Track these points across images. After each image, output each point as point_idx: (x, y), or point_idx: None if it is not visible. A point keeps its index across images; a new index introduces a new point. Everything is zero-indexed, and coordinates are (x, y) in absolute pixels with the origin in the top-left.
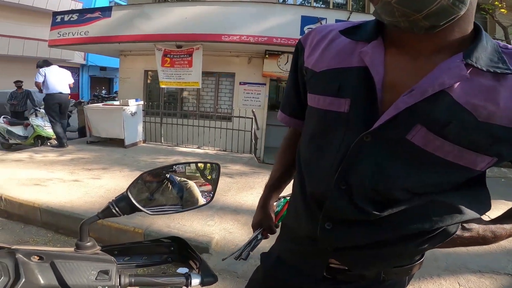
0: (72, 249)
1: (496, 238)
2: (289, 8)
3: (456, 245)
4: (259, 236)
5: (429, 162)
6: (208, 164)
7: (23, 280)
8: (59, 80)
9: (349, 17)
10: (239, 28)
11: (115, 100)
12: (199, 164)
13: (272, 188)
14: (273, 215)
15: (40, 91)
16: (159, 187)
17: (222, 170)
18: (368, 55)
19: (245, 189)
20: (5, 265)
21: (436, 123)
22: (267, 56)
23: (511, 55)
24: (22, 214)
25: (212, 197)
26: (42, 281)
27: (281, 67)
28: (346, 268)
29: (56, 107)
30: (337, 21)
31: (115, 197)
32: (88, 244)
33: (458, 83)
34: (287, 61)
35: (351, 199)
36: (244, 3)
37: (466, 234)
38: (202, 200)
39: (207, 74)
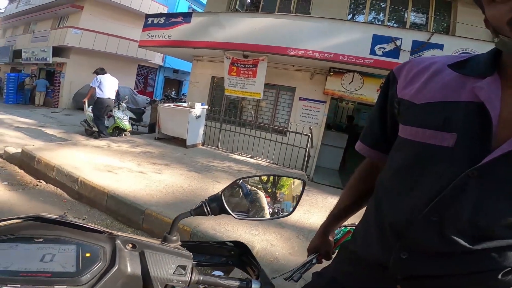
0: (158, 241)
1: None
2: (359, 26)
3: None
4: (314, 261)
5: None
6: (296, 181)
7: (116, 267)
8: (111, 87)
9: (429, 39)
10: (305, 43)
11: (183, 102)
12: (288, 179)
13: (337, 217)
14: (332, 241)
15: (89, 96)
16: (248, 195)
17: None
18: (483, 90)
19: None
20: (106, 250)
21: None
22: (331, 73)
23: None
24: (91, 197)
25: (294, 209)
26: (129, 269)
27: (344, 86)
28: None
29: (103, 109)
30: (414, 42)
31: (208, 197)
32: (174, 238)
33: None
34: (352, 81)
35: (440, 231)
36: (313, 18)
37: None
38: (286, 211)
39: (269, 86)
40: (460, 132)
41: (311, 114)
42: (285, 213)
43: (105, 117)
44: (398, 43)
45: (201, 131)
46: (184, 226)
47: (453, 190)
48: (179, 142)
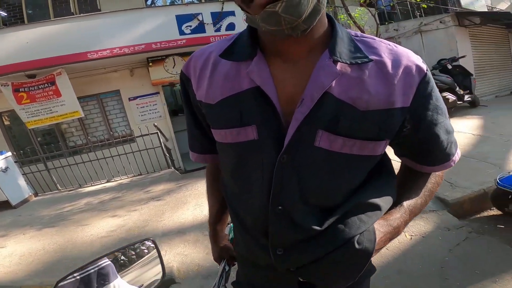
0: None
1: (404, 224)
2: (160, 10)
3: (386, 242)
4: (227, 267)
5: (341, 161)
6: (145, 244)
7: None
8: None
9: (222, 8)
10: (107, 42)
11: None
12: (118, 253)
13: (216, 224)
14: (229, 244)
15: None
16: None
17: (146, 195)
18: (255, 74)
19: (179, 206)
20: None
21: (331, 124)
22: (151, 64)
23: (363, 42)
24: None
25: (164, 271)
26: None
27: (170, 71)
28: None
29: None
30: (212, 14)
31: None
32: None
33: (334, 81)
34: (175, 64)
35: (290, 220)
36: (104, 15)
37: (388, 228)
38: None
39: (86, 98)
40: (257, 122)
41: (150, 110)
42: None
43: None
44: (200, 18)
45: (22, 182)
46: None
47: (277, 179)
48: (2, 205)
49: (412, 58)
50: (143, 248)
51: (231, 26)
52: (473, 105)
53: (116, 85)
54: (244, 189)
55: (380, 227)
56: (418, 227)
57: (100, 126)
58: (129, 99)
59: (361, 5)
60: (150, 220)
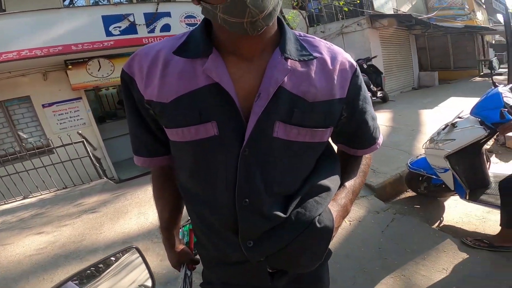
0: None
1: (350, 203)
2: (83, 10)
3: (341, 220)
4: (188, 272)
5: (297, 149)
6: (127, 253)
7: None
8: None
9: (157, 9)
10: (15, 44)
11: None
12: (111, 260)
13: (169, 228)
14: (187, 248)
15: None
16: None
17: (76, 208)
18: (213, 71)
19: (120, 216)
20: None
21: (286, 115)
22: (70, 66)
23: (306, 41)
24: None
25: (153, 279)
26: None
27: (94, 75)
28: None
29: None
30: (145, 14)
31: None
32: None
33: (286, 77)
34: (100, 67)
35: (257, 211)
36: (11, 15)
37: (338, 207)
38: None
39: None
40: (217, 118)
41: (71, 118)
42: None
43: None
44: (131, 19)
45: None
46: None
47: (242, 173)
48: None
49: (345, 55)
50: (126, 257)
51: (166, 27)
52: (384, 100)
53: (25, 90)
54: (207, 188)
55: (332, 207)
56: (354, 212)
57: (7, 138)
58: (43, 106)
59: (293, 8)
60: (87, 234)
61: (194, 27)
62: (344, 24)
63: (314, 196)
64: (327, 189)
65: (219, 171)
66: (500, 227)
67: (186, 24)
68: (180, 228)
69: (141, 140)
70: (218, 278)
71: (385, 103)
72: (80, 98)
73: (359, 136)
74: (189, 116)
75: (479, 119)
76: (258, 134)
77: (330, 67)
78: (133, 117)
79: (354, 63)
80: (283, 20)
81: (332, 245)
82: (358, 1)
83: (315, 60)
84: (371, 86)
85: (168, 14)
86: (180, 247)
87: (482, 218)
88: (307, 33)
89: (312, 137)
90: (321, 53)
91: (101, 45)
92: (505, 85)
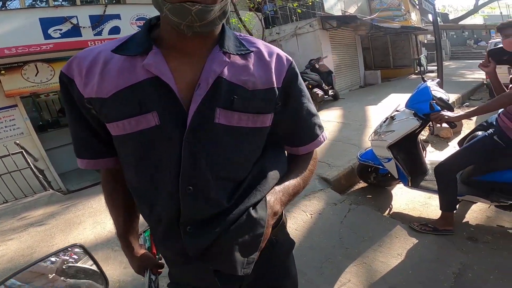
0: None
1: (279, 203)
2: (17, 13)
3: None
4: (153, 277)
5: (240, 133)
6: (72, 250)
7: None
8: None
9: (104, 11)
10: None
11: None
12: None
13: (127, 234)
14: (148, 252)
15: None
16: None
17: (21, 222)
18: (153, 66)
19: (73, 227)
20: None
21: (226, 102)
22: (3, 72)
23: (245, 39)
24: None
25: (106, 278)
26: None
27: (31, 80)
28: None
29: None
30: (91, 17)
31: None
32: None
33: (225, 68)
34: (38, 71)
35: (203, 197)
36: None
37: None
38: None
39: None
40: (157, 108)
41: (6, 127)
42: None
43: None
44: (74, 21)
45: None
46: None
47: (186, 159)
48: None
49: (281, 51)
50: (69, 257)
51: (115, 30)
52: (335, 98)
53: None
54: (152, 180)
55: (269, 197)
56: (314, 206)
57: None
58: None
59: (250, 10)
60: (37, 246)
61: (136, 31)
62: (298, 25)
63: (256, 184)
64: (267, 176)
65: (163, 161)
66: (440, 211)
67: (138, 26)
68: (141, 234)
69: (83, 142)
70: (182, 279)
71: (336, 101)
72: (16, 105)
73: (296, 131)
74: (129, 108)
75: (413, 112)
76: (200, 120)
77: (267, 59)
78: (74, 118)
79: (290, 58)
80: (225, 23)
81: (295, 237)
82: (310, 3)
83: (252, 53)
84: (323, 85)
85: (117, 16)
86: (140, 252)
87: (425, 204)
88: (263, 34)
89: (254, 122)
90: (258, 48)
91: (39, 49)
92: (432, 80)
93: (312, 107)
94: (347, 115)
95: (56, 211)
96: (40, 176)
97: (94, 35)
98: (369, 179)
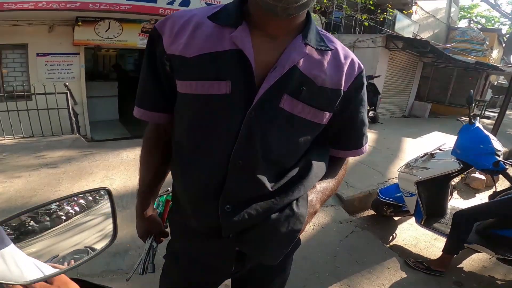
0: None
1: (319, 203)
2: None
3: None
4: (154, 244)
5: (298, 124)
6: (97, 194)
7: None
8: None
9: None
10: None
11: None
12: (75, 198)
13: (147, 194)
14: (158, 218)
15: None
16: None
17: (37, 160)
18: (239, 39)
19: (82, 176)
20: None
21: (295, 91)
22: (80, 23)
23: (325, 36)
24: None
25: (115, 232)
26: None
27: (100, 34)
28: (251, 255)
29: None
30: None
31: None
32: None
33: (302, 59)
34: (109, 28)
35: (249, 174)
36: None
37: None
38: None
39: None
40: (232, 79)
41: (61, 69)
42: (106, 242)
43: None
44: None
45: None
46: None
47: (244, 132)
48: None
49: (356, 57)
50: (93, 199)
51: (185, 2)
52: (374, 120)
53: (24, 38)
54: (205, 144)
55: (310, 195)
56: (320, 219)
57: None
58: (37, 55)
59: (314, 12)
60: (41, 190)
61: (229, 2)
62: (359, 38)
63: (301, 177)
64: (312, 171)
65: (221, 128)
66: (441, 253)
67: (206, 3)
68: (157, 198)
69: (148, 93)
70: (185, 252)
71: (373, 124)
72: (78, 53)
73: (344, 135)
74: (206, 71)
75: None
76: (266, 101)
77: (342, 61)
78: (147, 70)
79: (362, 66)
80: (310, 13)
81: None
82: (382, 19)
83: (330, 51)
84: None
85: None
86: (150, 213)
87: (428, 243)
88: None
89: (314, 117)
90: (336, 48)
91: (118, 8)
92: (483, 126)
93: (366, 117)
94: (380, 140)
95: (73, 156)
96: (74, 119)
97: (167, 3)
98: (384, 213)
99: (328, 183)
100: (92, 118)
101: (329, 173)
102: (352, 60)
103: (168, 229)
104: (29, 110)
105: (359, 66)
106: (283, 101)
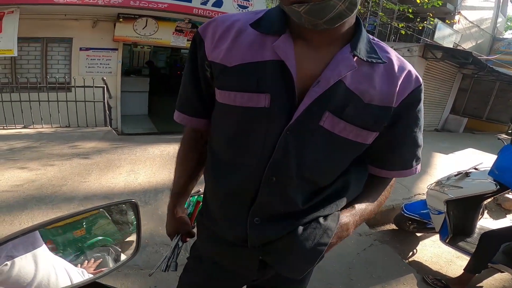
0: None
1: (353, 226)
2: None
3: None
4: (180, 244)
5: (338, 143)
6: (123, 206)
7: None
8: None
9: None
10: None
11: None
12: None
13: (180, 195)
14: (187, 218)
15: None
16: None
17: (70, 150)
18: (281, 49)
19: (111, 169)
20: None
21: (338, 108)
22: (121, 20)
23: (378, 45)
24: None
25: (138, 246)
26: None
27: (138, 31)
28: (274, 266)
29: None
30: None
31: None
32: None
33: (349, 73)
34: (146, 25)
35: (282, 191)
36: None
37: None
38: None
39: (29, 40)
40: (272, 92)
41: (101, 64)
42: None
43: None
44: None
45: None
46: None
47: (280, 149)
48: None
49: (413, 69)
50: (119, 211)
51: (218, 4)
52: None
53: (70, 33)
54: (239, 156)
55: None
56: None
57: (35, 69)
58: (80, 49)
59: None
60: (71, 179)
61: (272, 7)
62: (394, 46)
63: (336, 198)
64: (348, 193)
65: (257, 142)
66: (462, 271)
67: (238, 5)
68: (190, 197)
69: (188, 99)
70: (208, 256)
71: None
72: (117, 49)
73: (391, 154)
74: (246, 83)
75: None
76: (306, 117)
77: (396, 74)
78: (189, 76)
79: (421, 80)
80: (360, 19)
81: None
82: (421, 27)
83: (382, 64)
84: None
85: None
86: (180, 213)
87: (450, 261)
88: None
89: (356, 136)
90: (390, 59)
91: (155, 6)
92: None
93: (420, 137)
94: None
95: (104, 148)
96: (108, 112)
97: (200, 3)
98: (406, 228)
99: (368, 206)
100: (123, 112)
101: (371, 194)
102: (409, 72)
103: (195, 230)
104: (68, 101)
105: (417, 80)
106: (324, 118)
